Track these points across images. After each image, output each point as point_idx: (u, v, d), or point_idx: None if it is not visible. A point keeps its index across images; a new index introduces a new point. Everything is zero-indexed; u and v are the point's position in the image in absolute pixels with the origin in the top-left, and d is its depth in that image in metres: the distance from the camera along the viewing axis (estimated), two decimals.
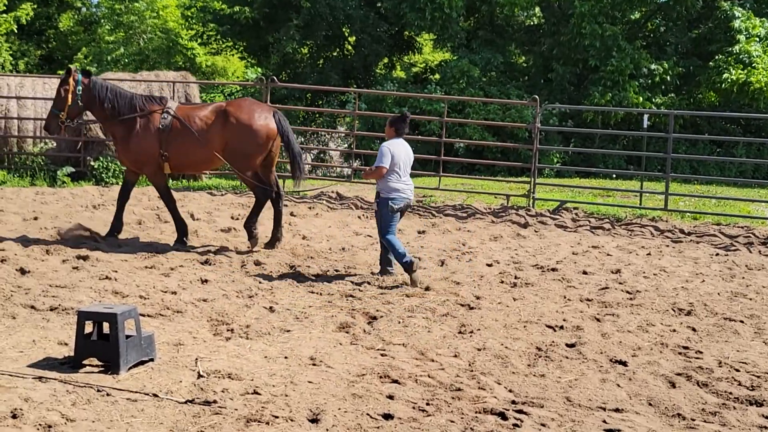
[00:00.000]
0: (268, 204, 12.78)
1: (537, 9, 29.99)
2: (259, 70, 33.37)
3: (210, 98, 30.75)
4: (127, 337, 7.07)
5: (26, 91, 19.72)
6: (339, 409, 6.36)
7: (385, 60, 32.37)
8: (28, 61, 38.80)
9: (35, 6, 38.22)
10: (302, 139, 26.90)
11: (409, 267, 10.65)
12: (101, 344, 7.12)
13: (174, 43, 32.42)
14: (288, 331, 8.45)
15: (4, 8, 36.33)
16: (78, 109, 12.32)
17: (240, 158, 12.37)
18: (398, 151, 10.93)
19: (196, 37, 32.73)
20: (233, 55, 33.48)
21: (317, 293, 10.09)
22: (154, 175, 12.58)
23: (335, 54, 31.87)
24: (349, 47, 31.68)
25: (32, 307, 8.85)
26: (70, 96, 12.11)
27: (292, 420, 6.10)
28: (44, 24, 40.89)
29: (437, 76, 29.75)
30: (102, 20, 36.79)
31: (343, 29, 31.01)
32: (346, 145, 29.18)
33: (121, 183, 13.30)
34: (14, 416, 5.88)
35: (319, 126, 29.34)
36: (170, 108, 12.48)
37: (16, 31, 36.72)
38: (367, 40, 29.84)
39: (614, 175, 25.31)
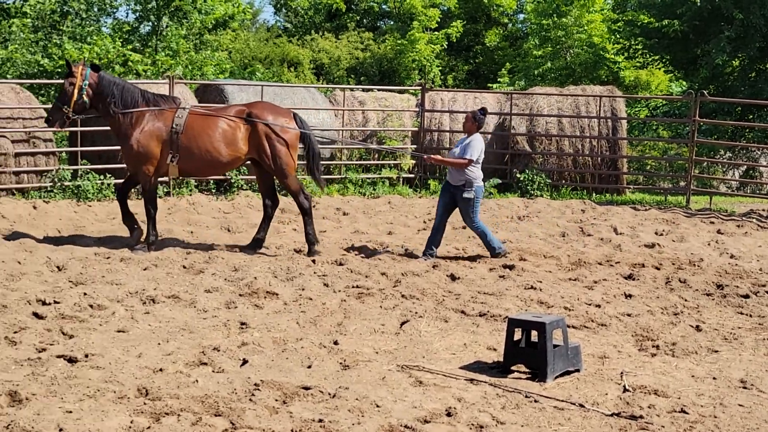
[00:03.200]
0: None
1: None
2: (684, 83, 32.51)
3: (634, 112, 30.47)
4: (555, 346, 7.20)
5: (458, 105, 20.64)
6: None
7: None
8: (456, 76, 40.56)
9: (464, 23, 39.93)
10: (730, 154, 25.88)
11: (496, 254, 12.14)
12: (529, 351, 7.31)
13: (600, 57, 32.45)
14: (716, 351, 8.17)
15: (436, 25, 38.32)
16: (83, 104, 12.00)
17: (279, 163, 12.22)
18: (483, 144, 12.17)
19: (622, 51, 32.54)
20: (659, 68, 32.89)
21: (746, 314, 9.65)
22: (147, 177, 12.15)
23: None
24: None
25: (462, 311, 9.27)
26: (75, 91, 11.87)
27: None
28: (472, 40, 42.53)
29: None
30: (529, 36, 37.66)
31: None
32: None
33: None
34: (449, 414, 6.21)
35: (749, 141, 28.08)
36: (185, 108, 12.26)
37: (445, 47, 38.59)
38: None
39: None
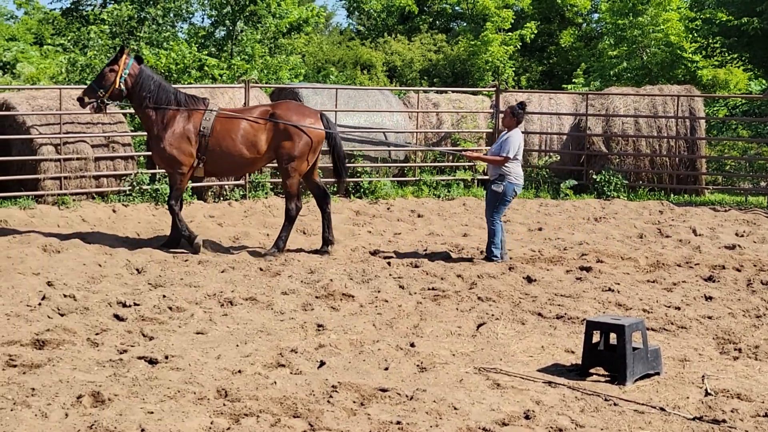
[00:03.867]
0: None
1: None
2: (764, 81, 31.89)
3: (712, 111, 29.95)
4: (634, 349, 7.11)
5: (533, 106, 20.46)
6: None
7: None
8: (530, 77, 40.32)
9: (538, 23, 39.66)
10: None
11: (490, 259, 11.79)
12: (608, 354, 7.22)
13: (677, 56, 31.94)
14: None
15: (510, 26, 38.13)
16: (119, 92, 12.16)
17: (289, 161, 12.22)
18: (521, 140, 11.86)
19: (700, 49, 32.02)
20: (738, 67, 32.31)
21: None
22: (179, 177, 12.28)
23: None
24: None
25: (539, 314, 9.20)
26: (116, 78, 12.04)
27: None
28: (546, 41, 42.23)
29: None
30: (604, 35, 37.27)
31: None
32: None
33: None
34: (527, 417, 6.17)
35: None
36: (213, 110, 12.30)
37: (519, 47, 38.38)
38: None
39: None
